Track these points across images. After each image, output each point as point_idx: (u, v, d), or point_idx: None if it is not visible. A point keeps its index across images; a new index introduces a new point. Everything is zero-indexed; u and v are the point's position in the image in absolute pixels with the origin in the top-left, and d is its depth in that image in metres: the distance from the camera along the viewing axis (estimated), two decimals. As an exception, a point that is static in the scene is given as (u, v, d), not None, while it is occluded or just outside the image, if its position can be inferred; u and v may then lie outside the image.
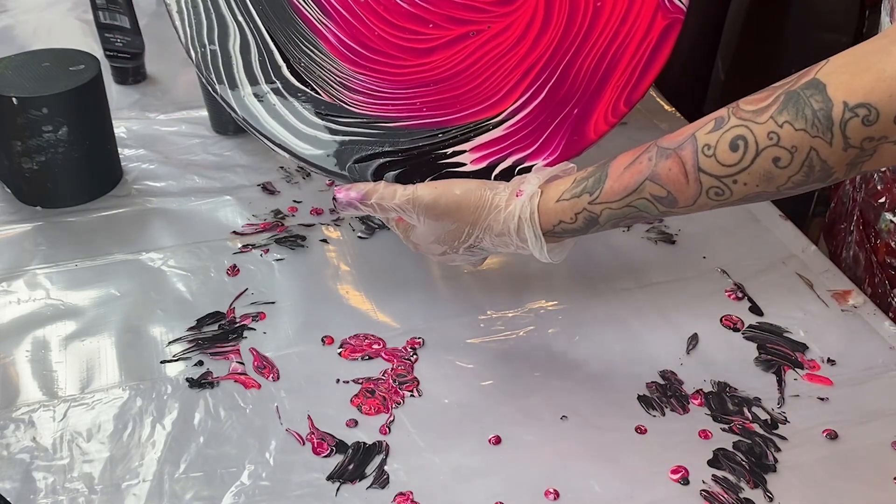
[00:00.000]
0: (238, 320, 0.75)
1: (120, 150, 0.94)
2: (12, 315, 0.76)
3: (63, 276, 0.80)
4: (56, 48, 0.90)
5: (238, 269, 0.80)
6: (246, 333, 0.74)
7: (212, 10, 0.69)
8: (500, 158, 0.68)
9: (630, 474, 0.63)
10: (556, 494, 0.61)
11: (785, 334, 0.75)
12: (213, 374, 0.70)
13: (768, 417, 0.67)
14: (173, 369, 0.71)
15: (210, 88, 0.69)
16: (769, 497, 0.61)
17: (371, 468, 0.63)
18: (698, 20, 1.50)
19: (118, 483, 0.62)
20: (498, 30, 0.71)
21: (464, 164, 0.68)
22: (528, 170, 0.69)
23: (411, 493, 0.61)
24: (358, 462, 0.63)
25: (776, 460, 0.64)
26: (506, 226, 0.65)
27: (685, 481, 0.62)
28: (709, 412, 0.68)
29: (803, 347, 0.73)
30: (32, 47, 1.03)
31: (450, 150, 0.68)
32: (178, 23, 0.69)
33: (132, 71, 1.11)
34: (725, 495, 0.61)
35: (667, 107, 1.09)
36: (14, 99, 0.82)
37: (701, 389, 0.69)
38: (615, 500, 0.61)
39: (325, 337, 0.74)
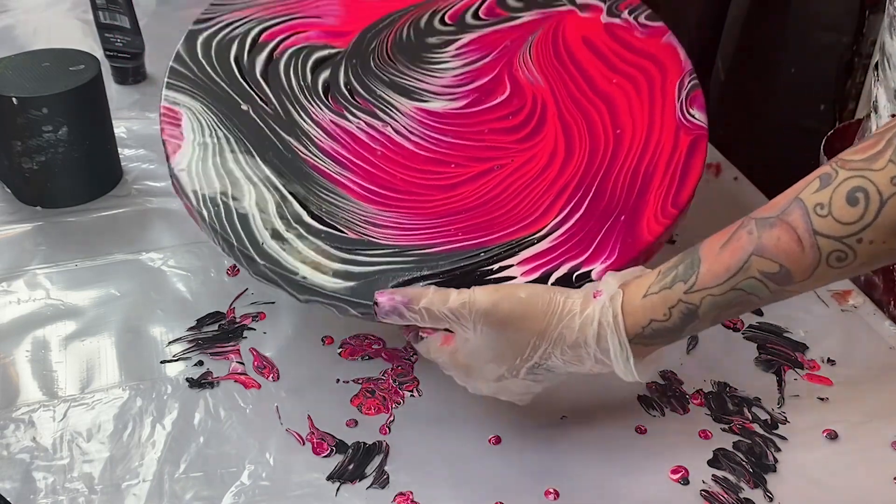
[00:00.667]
0: (238, 320, 0.75)
1: (120, 150, 0.94)
2: (12, 315, 0.76)
3: (63, 276, 0.80)
4: (56, 48, 0.90)
5: (238, 270, 0.80)
6: (246, 333, 0.74)
7: (224, 174, 0.67)
8: (554, 268, 0.63)
9: (630, 474, 0.63)
10: (556, 494, 0.61)
11: (785, 334, 0.75)
12: (213, 374, 0.70)
13: (768, 417, 0.67)
14: (173, 369, 0.71)
15: (225, 245, 0.65)
16: (769, 497, 0.61)
17: (371, 468, 0.63)
18: (698, 20, 1.50)
19: (118, 483, 0.62)
20: (522, 162, 0.71)
21: (514, 277, 0.62)
22: (587, 274, 0.63)
23: (411, 493, 0.61)
24: (358, 462, 0.63)
25: (776, 460, 0.64)
26: (582, 334, 0.56)
27: (685, 481, 0.62)
28: (709, 412, 0.68)
29: (803, 347, 0.73)
30: (32, 47, 1.03)
31: (496, 266, 0.63)
32: (188, 188, 0.66)
33: (132, 71, 1.11)
34: (725, 495, 0.61)
35: (667, 107, 1.09)
36: (14, 99, 0.82)
37: (701, 389, 0.69)
38: (615, 500, 0.61)
39: (325, 337, 0.74)
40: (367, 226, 0.65)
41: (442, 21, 0.81)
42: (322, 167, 0.68)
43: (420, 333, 0.62)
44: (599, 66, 0.77)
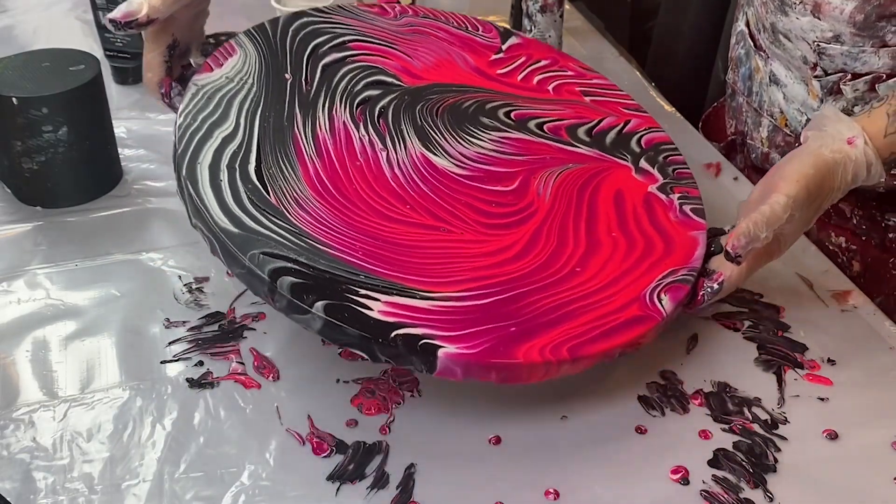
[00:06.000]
0: (238, 320, 0.75)
1: (120, 150, 0.94)
2: (12, 315, 0.76)
3: (63, 276, 0.80)
4: (56, 48, 0.90)
5: (238, 269, 0.80)
6: (246, 333, 0.74)
7: (223, 104, 0.70)
8: (411, 324, 0.60)
9: (630, 474, 0.63)
10: (556, 494, 0.61)
11: (785, 334, 0.75)
12: (213, 374, 0.70)
13: (768, 417, 0.67)
14: (173, 369, 0.71)
15: (173, 151, 0.67)
16: (769, 497, 0.61)
17: (371, 468, 0.63)
18: (698, 20, 1.50)
19: (118, 483, 0.62)
20: (469, 238, 0.68)
21: (370, 310, 0.60)
22: (433, 346, 0.60)
23: (411, 493, 0.61)
24: (358, 462, 0.63)
25: (776, 460, 0.64)
26: (856, 175, 0.69)
27: (685, 481, 0.62)
28: (709, 412, 0.68)
29: (803, 347, 0.73)
30: (32, 47, 1.03)
31: (361, 291, 0.61)
32: (187, 100, 0.69)
33: (132, 71, 1.11)
34: (725, 495, 0.61)
35: (667, 107, 1.09)
36: (14, 99, 0.82)
37: (701, 389, 0.69)
38: (615, 500, 0.61)
39: (325, 337, 0.74)
40: (292, 203, 0.65)
41: (507, 115, 0.80)
42: (301, 145, 0.69)
43: (713, 284, 0.70)
44: (612, 216, 0.74)
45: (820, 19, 0.78)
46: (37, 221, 0.87)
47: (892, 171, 0.74)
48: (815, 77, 0.81)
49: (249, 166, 0.66)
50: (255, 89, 0.72)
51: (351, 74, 0.76)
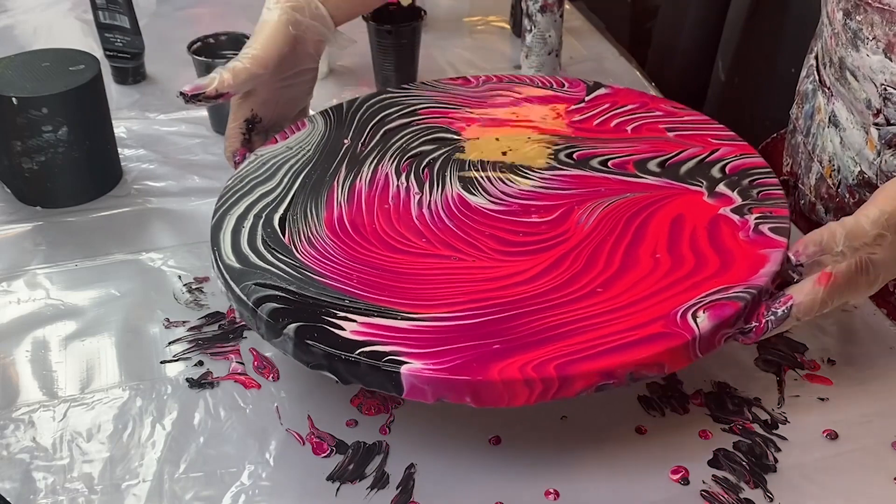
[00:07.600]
0: (238, 320, 0.75)
1: (120, 150, 0.94)
2: (12, 315, 0.76)
3: (63, 276, 0.80)
4: (56, 48, 0.91)
5: (238, 269, 0.80)
6: (246, 333, 0.74)
7: (273, 167, 0.74)
8: (382, 342, 0.57)
9: (630, 474, 0.63)
10: (556, 494, 0.61)
11: (785, 334, 0.75)
12: (213, 374, 0.70)
13: (768, 417, 0.67)
14: (173, 369, 0.71)
15: (217, 206, 0.71)
16: (769, 497, 0.61)
17: (371, 468, 0.63)
18: (698, 20, 1.50)
19: (118, 483, 0.62)
20: (480, 265, 0.65)
21: (342, 329, 0.58)
22: (398, 363, 0.56)
23: (411, 493, 0.61)
24: (358, 462, 0.63)
25: (776, 460, 0.64)
26: None
27: (685, 481, 0.62)
28: (709, 412, 0.68)
29: (803, 347, 0.73)
30: (32, 47, 1.03)
31: (340, 313, 0.60)
32: (241, 167, 0.74)
33: (132, 71, 1.11)
34: (725, 495, 0.61)
35: (667, 107, 1.09)
36: (14, 99, 0.82)
37: (701, 389, 0.69)
38: (615, 501, 0.61)
39: (325, 337, 0.74)
40: (304, 240, 0.67)
41: (569, 156, 0.75)
42: (335, 193, 0.72)
43: (778, 308, 0.59)
44: (662, 239, 0.65)
45: (891, 60, 0.69)
46: (37, 221, 0.87)
47: None
48: (875, 125, 0.72)
49: (276, 214, 0.69)
50: (309, 153, 0.75)
51: (411, 134, 0.77)
